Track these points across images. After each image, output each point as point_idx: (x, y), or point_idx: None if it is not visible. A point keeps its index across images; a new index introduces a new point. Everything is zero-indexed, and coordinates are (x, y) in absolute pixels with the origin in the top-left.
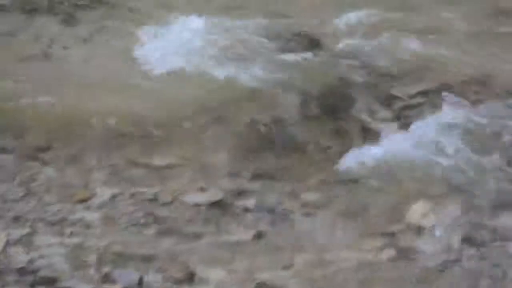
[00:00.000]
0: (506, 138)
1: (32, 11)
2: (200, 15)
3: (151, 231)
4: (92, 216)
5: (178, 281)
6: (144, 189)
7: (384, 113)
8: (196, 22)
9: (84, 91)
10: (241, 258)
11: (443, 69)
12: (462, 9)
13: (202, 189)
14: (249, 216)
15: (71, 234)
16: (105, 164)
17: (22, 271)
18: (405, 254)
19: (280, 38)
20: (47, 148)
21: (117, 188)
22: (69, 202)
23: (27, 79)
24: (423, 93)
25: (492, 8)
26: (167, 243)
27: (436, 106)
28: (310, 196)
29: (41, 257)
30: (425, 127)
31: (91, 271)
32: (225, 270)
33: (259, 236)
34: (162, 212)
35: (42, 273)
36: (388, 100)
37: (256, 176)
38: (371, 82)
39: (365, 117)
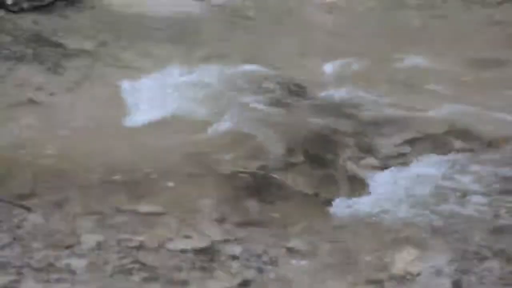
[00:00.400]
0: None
1: (18, 58)
2: (185, 64)
3: (137, 278)
4: (78, 262)
5: None
6: (130, 236)
7: (370, 161)
8: (181, 72)
9: (69, 138)
10: None
11: (428, 118)
12: (445, 60)
13: (188, 236)
14: (236, 264)
15: (57, 280)
16: (90, 211)
17: None
18: None
19: (264, 86)
20: (32, 195)
21: (103, 235)
22: (55, 248)
23: (12, 126)
24: (408, 142)
25: (473, 57)
26: None
27: (421, 155)
28: (296, 244)
29: None
30: (411, 175)
31: None
32: None
33: (245, 283)
34: (148, 259)
35: None
36: (373, 149)
37: (242, 224)
38: (356, 130)
39: (351, 164)
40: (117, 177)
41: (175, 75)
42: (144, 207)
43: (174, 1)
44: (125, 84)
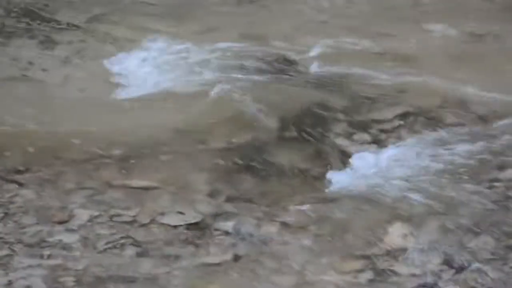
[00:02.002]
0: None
1: (10, 34)
2: (177, 38)
3: (129, 253)
4: (71, 238)
5: None
6: (122, 211)
7: (362, 136)
8: (173, 45)
9: (62, 113)
10: (219, 281)
11: (420, 93)
12: (437, 34)
13: (180, 211)
14: (227, 239)
15: (49, 256)
16: (83, 186)
17: None
18: (383, 276)
19: (257, 61)
20: (24, 170)
21: (95, 210)
22: (47, 224)
23: (5, 101)
24: (401, 116)
25: (466, 31)
26: (146, 265)
27: (413, 129)
28: (288, 219)
29: (19, 278)
30: (403, 150)
31: None
32: None
33: (237, 258)
34: (140, 234)
35: None
36: (365, 124)
37: (234, 199)
38: (348, 105)
39: (343, 140)
40: (109, 152)
41: (167, 49)
42: (136, 182)
43: None
44: (117, 59)
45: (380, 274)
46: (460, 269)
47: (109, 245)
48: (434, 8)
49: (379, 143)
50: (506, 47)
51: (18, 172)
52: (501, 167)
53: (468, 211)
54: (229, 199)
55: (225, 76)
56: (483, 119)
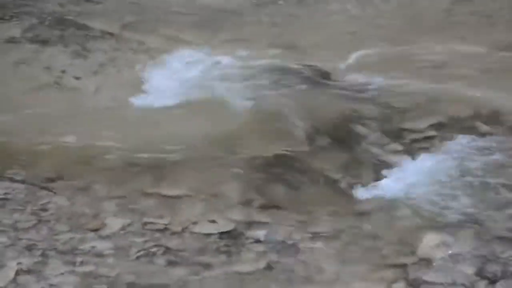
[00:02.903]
0: None
1: (43, 42)
2: (210, 48)
3: (161, 261)
4: (103, 245)
5: None
6: (155, 220)
7: (395, 146)
8: (206, 55)
9: (94, 122)
10: None
11: (453, 103)
12: (470, 44)
13: (212, 220)
14: (260, 247)
15: (82, 263)
16: (115, 194)
17: None
18: (416, 286)
19: (290, 72)
20: (58, 178)
21: (128, 218)
22: (80, 231)
23: (39, 109)
24: (434, 126)
25: (498, 42)
26: (178, 273)
27: (447, 139)
28: (320, 228)
29: (52, 285)
30: (437, 160)
31: None
32: None
33: (269, 267)
34: (173, 242)
35: None
36: (399, 133)
37: (266, 207)
38: (381, 115)
39: (376, 149)
40: (141, 160)
41: (199, 59)
42: (168, 190)
43: None
44: (150, 68)
45: (412, 284)
46: (494, 280)
47: (141, 253)
48: (465, 19)
49: (411, 152)
50: None
51: (51, 180)
52: None
53: (502, 221)
54: (261, 208)
55: (258, 86)
56: None
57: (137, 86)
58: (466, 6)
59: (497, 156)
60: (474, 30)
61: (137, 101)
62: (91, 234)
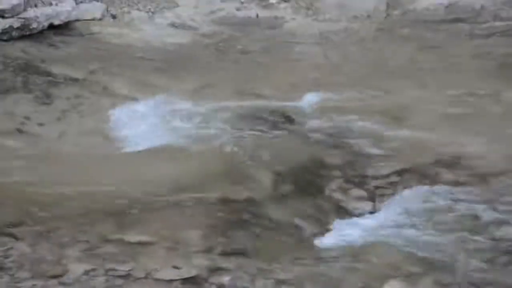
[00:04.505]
0: (483, 218)
1: (7, 87)
2: (175, 93)
3: None
4: None
5: None
6: (118, 266)
7: (358, 192)
8: (170, 101)
9: (57, 168)
10: None
11: (416, 150)
12: (434, 91)
13: (175, 266)
14: None
15: None
16: (78, 240)
17: None
18: None
19: (253, 117)
20: (19, 224)
21: (90, 264)
22: (42, 278)
23: (1, 155)
24: (396, 173)
25: (461, 89)
26: None
27: (409, 186)
28: (284, 275)
29: None
30: (398, 207)
31: None
32: None
33: None
34: None
35: None
36: (362, 180)
37: (229, 254)
38: (344, 161)
39: (339, 196)
40: (103, 206)
41: (164, 104)
42: (131, 237)
43: (163, 31)
44: (114, 113)
45: None
46: None
47: None
48: (429, 66)
49: (374, 199)
50: (502, 104)
51: (13, 226)
52: (499, 225)
53: (463, 268)
54: (224, 254)
55: (221, 131)
56: (480, 177)
57: (101, 132)
58: (430, 54)
59: (460, 206)
60: (438, 77)
61: (100, 146)
62: (53, 281)
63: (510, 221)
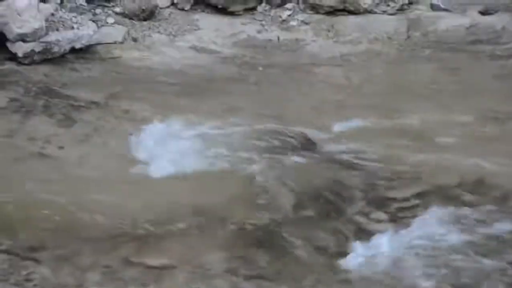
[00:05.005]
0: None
1: (28, 112)
2: (196, 117)
3: None
4: None
5: None
6: None
7: (379, 214)
8: (192, 125)
9: (78, 191)
10: None
11: (438, 171)
12: (456, 113)
13: None
14: None
15: None
16: (99, 264)
17: None
18: None
19: (276, 140)
20: (41, 248)
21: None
22: None
23: (22, 179)
24: (418, 195)
25: (484, 111)
26: None
27: (431, 208)
28: None
29: None
30: (422, 229)
31: None
32: None
33: None
34: None
35: None
36: (383, 202)
37: (252, 277)
38: (366, 184)
39: (360, 218)
40: (125, 229)
41: (186, 128)
42: (153, 260)
43: (183, 54)
44: (136, 137)
45: None
46: None
47: None
48: (451, 88)
49: (396, 221)
50: None
51: (34, 249)
52: None
53: None
54: (246, 278)
55: (244, 156)
56: (502, 199)
57: (123, 156)
58: (452, 75)
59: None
60: (460, 99)
61: (121, 170)
62: None
63: None
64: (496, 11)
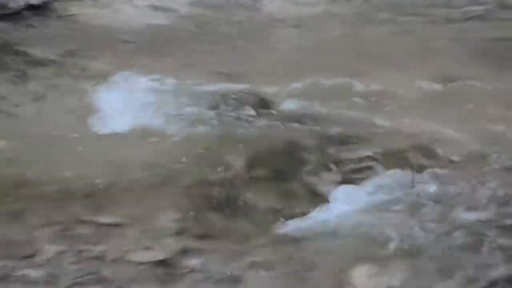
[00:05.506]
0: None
1: None
2: (153, 74)
3: None
4: (36, 273)
5: None
6: (90, 247)
7: (332, 176)
8: (147, 82)
9: (32, 148)
10: None
11: (391, 134)
12: (410, 76)
13: (147, 247)
14: (195, 276)
15: None
16: (50, 222)
17: None
18: None
19: (231, 99)
20: None
21: (62, 246)
22: (12, 259)
23: None
24: (371, 157)
25: (437, 74)
26: None
27: (384, 170)
28: (256, 257)
29: None
30: (373, 191)
31: None
32: None
33: None
34: (108, 270)
35: None
36: (336, 163)
37: (202, 236)
38: (319, 145)
39: (313, 179)
40: (78, 188)
41: (143, 85)
42: (104, 218)
43: (142, 12)
44: (92, 94)
45: None
46: None
47: (75, 281)
48: (407, 51)
49: (349, 182)
50: (480, 91)
51: None
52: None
53: (435, 253)
54: (197, 237)
55: (198, 114)
56: (453, 163)
57: (79, 113)
58: (408, 38)
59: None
60: (416, 62)
61: (77, 127)
62: (25, 262)
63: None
64: None
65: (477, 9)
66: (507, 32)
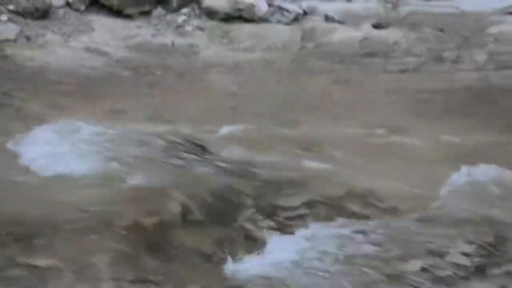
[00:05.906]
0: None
1: None
2: (88, 118)
3: None
4: None
5: None
6: None
7: (268, 222)
8: (81, 126)
9: None
10: None
11: (327, 181)
12: (345, 125)
13: None
14: None
15: None
16: None
17: None
18: None
19: (165, 144)
20: None
21: None
22: None
23: None
24: (307, 204)
25: (376, 124)
26: None
27: (319, 217)
28: None
29: None
30: (308, 238)
31: None
32: None
33: None
34: None
35: None
36: (272, 210)
37: (137, 281)
38: (256, 191)
39: (249, 225)
40: (11, 229)
41: (77, 128)
42: (39, 261)
43: (77, 54)
44: (26, 136)
45: None
46: None
47: None
48: (343, 100)
49: (284, 229)
50: (413, 140)
51: None
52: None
53: None
54: (132, 282)
55: (131, 159)
56: (388, 211)
57: (12, 155)
58: (344, 87)
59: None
60: (350, 111)
61: (9, 170)
62: None
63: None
64: (388, 26)
65: (412, 60)
66: (439, 84)
